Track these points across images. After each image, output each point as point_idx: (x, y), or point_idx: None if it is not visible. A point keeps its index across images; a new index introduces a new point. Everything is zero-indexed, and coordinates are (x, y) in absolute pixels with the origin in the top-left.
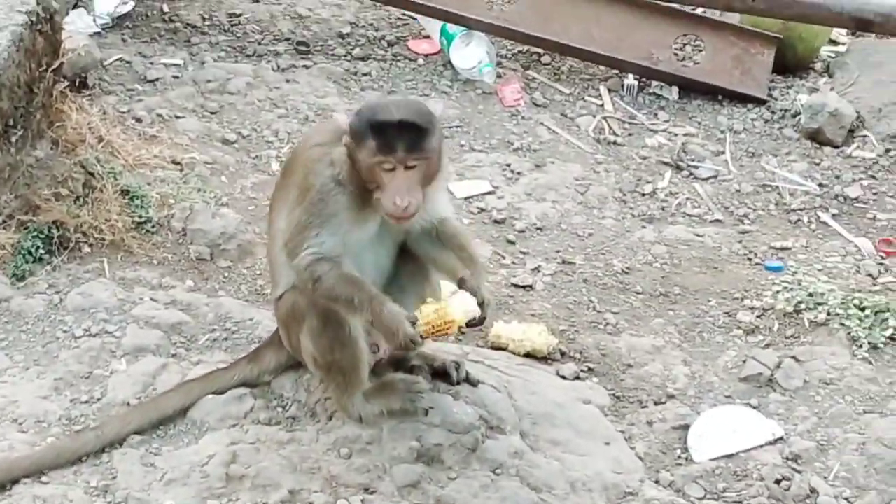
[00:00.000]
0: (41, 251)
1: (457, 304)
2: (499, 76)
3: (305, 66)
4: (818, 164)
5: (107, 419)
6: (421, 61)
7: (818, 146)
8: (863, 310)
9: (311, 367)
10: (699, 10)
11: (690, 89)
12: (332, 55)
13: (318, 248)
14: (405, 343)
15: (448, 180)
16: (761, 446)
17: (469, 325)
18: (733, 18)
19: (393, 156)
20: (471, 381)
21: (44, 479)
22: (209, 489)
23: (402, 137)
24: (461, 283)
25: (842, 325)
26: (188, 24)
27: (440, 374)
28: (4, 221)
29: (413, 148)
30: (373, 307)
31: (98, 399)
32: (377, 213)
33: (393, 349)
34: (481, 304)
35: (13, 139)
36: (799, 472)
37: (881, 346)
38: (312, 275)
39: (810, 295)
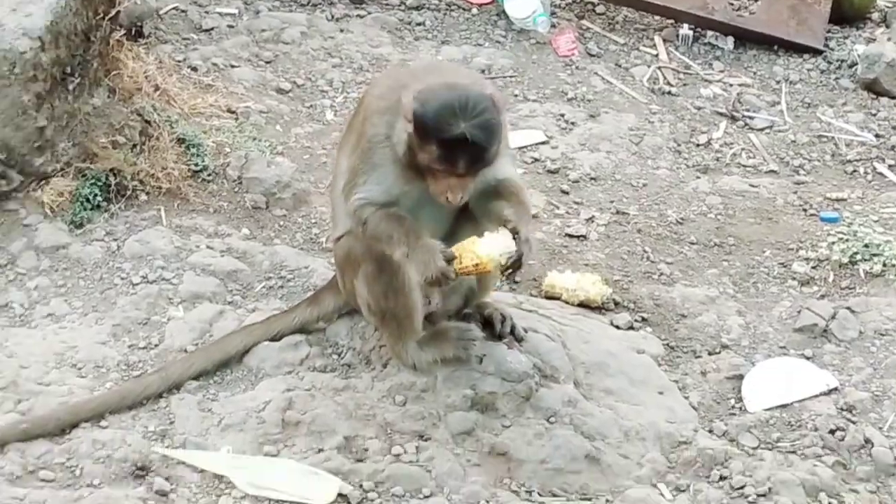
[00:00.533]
0: (99, 198)
1: (491, 244)
2: (553, 26)
3: (359, 16)
4: (874, 115)
5: (169, 362)
6: (475, 11)
7: (874, 97)
8: None
9: (365, 313)
10: None
11: (746, 39)
12: (387, 5)
13: (367, 194)
14: (437, 276)
15: (509, 147)
16: (815, 397)
17: (509, 266)
18: None
19: (454, 169)
20: (516, 336)
21: (102, 423)
22: (265, 435)
23: (466, 154)
24: (505, 224)
25: None
26: None
27: (490, 324)
28: (62, 169)
29: (474, 164)
30: (409, 240)
31: (155, 345)
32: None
33: (427, 283)
34: (516, 238)
35: (71, 87)
36: (853, 422)
37: None
38: (360, 218)
39: (866, 246)
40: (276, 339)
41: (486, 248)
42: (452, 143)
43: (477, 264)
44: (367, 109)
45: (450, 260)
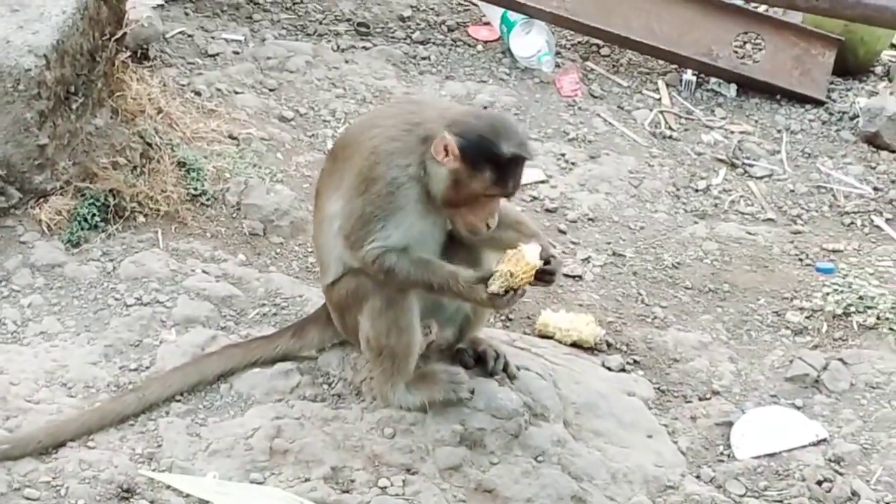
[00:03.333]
0: (97, 218)
1: (530, 251)
2: (557, 66)
3: (365, 48)
4: (874, 168)
5: (147, 381)
6: (480, 48)
7: (875, 150)
8: None
9: (362, 347)
10: (762, 9)
11: (749, 87)
12: (392, 38)
13: (384, 241)
14: (496, 305)
15: None
16: (804, 447)
17: (543, 276)
18: (795, 18)
19: (505, 190)
20: (509, 374)
21: (90, 443)
22: (252, 462)
23: (516, 174)
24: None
25: (891, 329)
26: (250, 1)
27: (483, 360)
28: (62, 188)
29: (520, 182)
30: (450, 286)
31: (147, 367)
32: (439, 212)
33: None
34: (551, 258)
35: (74, 106)
36: (841, 474)
37: None
38: (382, 266)
39: (860, 298)
40: (254, 365)
41: (531, 254)
42: (508, 165)
43: (522, 274)
44: (377, 152)
45: (486, 280)
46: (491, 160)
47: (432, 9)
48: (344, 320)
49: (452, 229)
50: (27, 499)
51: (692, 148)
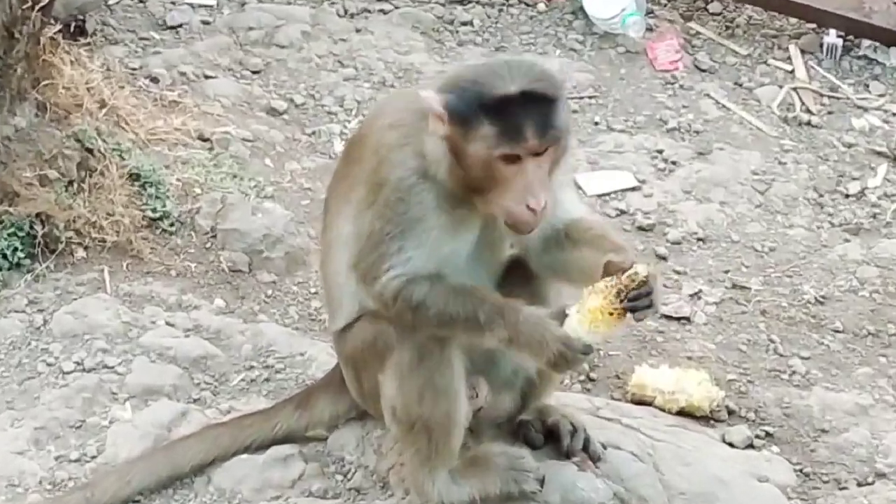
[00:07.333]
0: (20, 254)
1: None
2: (649, 29)
3: (383, 11)
4: None
5: (100, 475)
6: (542, 7)
7: None
8: None
9: (387, 420)
10: None
11: None
12: None
13: (404, 267)
14: (566, 356)
15: (575, 170)
16: None
17: (635, 305)
18: None
19: (522, 144)
20: (591, 455)
21: None
22: None
23: (530, 116)
24: (607, 268)
25: None
26: None
27: (555, 436)
28: None
29: (545, 128)
30: (506, 318)
31: (92, 457)
32: (479, 218)
33: (554, 369)
34: (646, 278)
35: None
36: None
37: None
38: (408, 303)
39: None
40: (248, 450)
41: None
42: (508, 104)
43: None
44: (381, 147)
45: (562, 322)
46: (484, 107)
47: None
48: (360, 382)
49: (485, 232)
50: None
51: (839, 138)
